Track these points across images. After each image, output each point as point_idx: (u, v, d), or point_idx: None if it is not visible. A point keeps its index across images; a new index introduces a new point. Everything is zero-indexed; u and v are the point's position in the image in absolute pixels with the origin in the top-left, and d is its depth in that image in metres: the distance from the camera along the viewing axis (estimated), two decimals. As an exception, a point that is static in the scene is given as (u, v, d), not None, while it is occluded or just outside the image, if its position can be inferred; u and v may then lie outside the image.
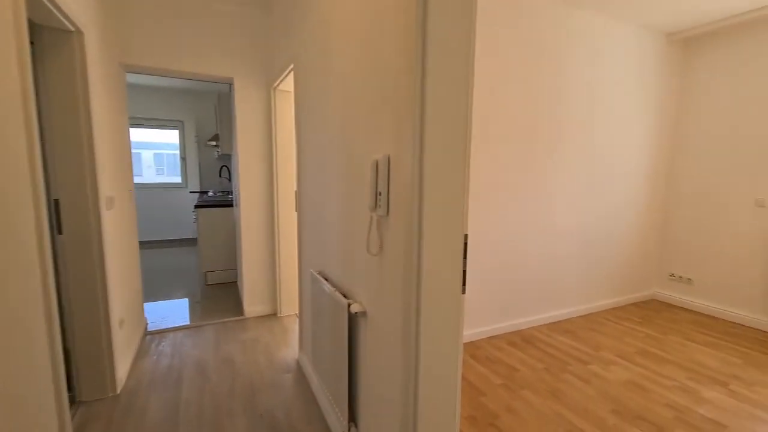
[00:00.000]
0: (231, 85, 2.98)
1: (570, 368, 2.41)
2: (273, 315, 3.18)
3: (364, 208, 1.29)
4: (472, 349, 2.66)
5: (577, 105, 2.97)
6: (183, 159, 6.03)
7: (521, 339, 2.82)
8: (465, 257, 1.07)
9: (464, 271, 1.08)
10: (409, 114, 0.99)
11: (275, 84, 2.76)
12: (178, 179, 6.10)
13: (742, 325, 3.09)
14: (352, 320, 1.44)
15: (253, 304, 3.14)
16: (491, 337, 2.84)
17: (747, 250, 3.07)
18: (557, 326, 3.05)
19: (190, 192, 5.78)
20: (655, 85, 3.34)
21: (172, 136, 5.98)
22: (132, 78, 5.12)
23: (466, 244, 1.06)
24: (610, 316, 3.27)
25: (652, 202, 3.54)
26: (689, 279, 3.46)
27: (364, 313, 1.36)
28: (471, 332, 2.78)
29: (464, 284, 1.09)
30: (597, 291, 3.37)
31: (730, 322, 3.15)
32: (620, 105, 3.19)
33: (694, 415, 1.96)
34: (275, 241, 3.06)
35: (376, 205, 1.17)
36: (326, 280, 1.74)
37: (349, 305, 1.39)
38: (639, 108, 3.30)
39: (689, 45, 3.36)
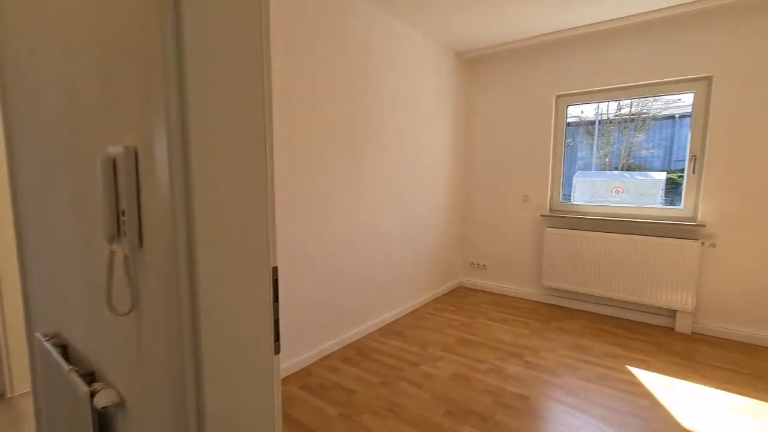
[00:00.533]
0: None
1: (404, 374, 2.36)
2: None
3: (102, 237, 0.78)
4: (304, 376, 2.33)
5: (390, 111, 3.02)
6: None
7: (356, 352, 2.66)
8: (276, 299, 0.72)
9: (276, 321, 0.73)
10: (160, 79, 0.57)
11: None
12: None
13: (523, 298, 3.78)
14: (102, 419, 0.89)
15: (-47, 390, 1.96)
16: (324, 358, 2.57)
17: (519, 237, 3.77)
18: (389, 329, 3.03)
19: None
20: (452, 97, 3.76)
21: None
22: None
23: (276, 281, 0.72)
24: (431, 309, 3.49)
25: (456, 201, 3.99)
26: (484, 265, 4.05)
27: (120, 405, 0.84)
28: (301, 358, 2.44)
29: (278, 339, 0.74)
30: (421, 286, 3.56)
31: (515, 297, 3.82)
32: (427, 113, 3.44)
33: (505, 394, 2.16)
34: (-5, 286, 1.99)
35: (118, 233, 0.69)
36: (64, 348, 1.09)
37: (92, 394, 0.84)
38: (442, 118, 3.64)
39: (472, 64, 3.92)
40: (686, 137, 3.00)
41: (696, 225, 2.87)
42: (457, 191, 4.01)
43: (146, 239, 0.67)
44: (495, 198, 3.90)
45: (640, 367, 2.45)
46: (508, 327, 3.09)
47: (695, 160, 2.94)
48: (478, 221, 4.05)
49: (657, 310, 3.12)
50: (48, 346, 1.11)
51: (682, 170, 3.07)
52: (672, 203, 3.20)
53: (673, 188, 3.20)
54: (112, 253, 0.72)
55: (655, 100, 3.29)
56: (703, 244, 2.87)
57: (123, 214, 0.68)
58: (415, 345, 2.76)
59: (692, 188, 2.97)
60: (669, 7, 2.76)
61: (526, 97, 3.61)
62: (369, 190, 2.86)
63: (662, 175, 3.26)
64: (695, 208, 2.96)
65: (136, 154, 0.66)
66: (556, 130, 3.55)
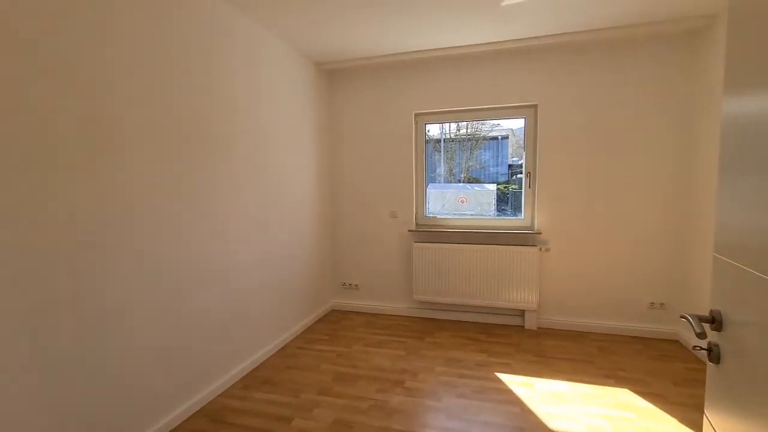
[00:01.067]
0: None
1: (274, 438, 1.95)
2: None
3: None
4: (132, 476, 1.69)
5: (243, 123, 2.58)
6: None
7: (209, 419, 2.11)
8: None
9: None
10: None
11: None
12: None
13: (396, 315, 3.74)
14: None
15: None
16: (164, 438, 1.95)
17: (390, 254, 3.73)
18: (254, 377, 2.54)
19: None
20: (315, 110, 3.50)
21: None
22: None
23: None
24: (303, 342, 3.12)
25: (324, 220, 3.73)
26: (357, 285, 3.89)
27: None
28: (128, 448, 1.78)
29: None
30: (289, 319, 3.15)
31: (389, 315, 3.75)
32: (287, 127, 3.10)
33: (392, 433, 1.97)
34: None
35: None
36: None
37: None
38: (305, 133, 3.35)
39: (334, 76, 3.76)
40: (507, 155, 3.69)
41: (534, 233, 3.27)
42: (324, 210, 3.76)
43: None
44: (364, 215, 3.79)
45: (505, 371, 2.59)
46: (386, 350, 2.96)
47: (530, 176, 3.37)
48: (348, 240, 3.87)
49: (510, 312, 3.44)
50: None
51: (507, 183, 3.67)
52: (503, 211, 3.71)
53: (501, 197, 3.75)
54: None
55: (482, 124, 3.87)
56: (540, 249, 3.28)
57: None
58: (285, 393, 2.36)
59: (529, 201, 3.39)
60: (504, 41, 3.09)
61: (388, 113, 3.62)
62: (218, 215, 2.36)
63: (493, 187, 3.84)
64: (533, 218, 3.38)
65: None
66: (417, 147, 3.65)
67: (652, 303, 3.12)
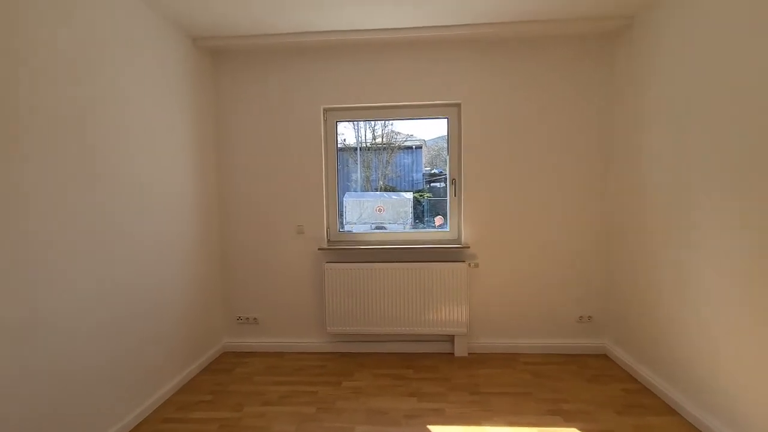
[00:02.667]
0: None
1: None
2: None
3: None
4: None
5: (82, 113, 1.72)
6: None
7: None
8: None
9: None
10: None
11: None
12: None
13: (306, 353, 3.06)
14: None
15: None
16: None
17: (297, 278, 3.06)
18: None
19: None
20: (189, 99, 2.70)
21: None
22: None
23: None
24: (173, 410, 2.27)
25: (209, 240, 2.91)
26: (255, 318, 3.12)
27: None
28: None
29: None
30: (153, 376, 2.28)
31: (297, 353, 3.06)
32: (150, 120, 2.26)
33: None
34: None
35: None
36: None
37: None
38: (177, 129, 2.53)
39: (219, 57, 2.99)
40: (421, 163, 3.63)
41: (462, 247, 2.90)
42: (210, 227, 2.94)
43: None
44: (263, 232, 3.06)
45: (439, 423, 2.10)
46: (290, 408, 2.28)
47: (455, 183, 3.00)
48: (243, 263, 3.10)
49: (438, 337, 3.02)
50: None
51: (421, 191, 3.49)
52: (419, 219, 3.46)
53: (417, 205, 3.55)
54: None
55: (397, 134, 3.76)
56: (469, 264, 2.92)
57: None
58: None
59: (455, 211, 3.02)
60: (417, 27, 2.67)
61: (291, 106, 2.97)
62: (27, 240, 1.48)
63: (410, 195, 3.59)
64: (459, 230, 3.01)
65: None
66: (327, 148, 3.06)
67: (581, 317, 2.95)
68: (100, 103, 1.92)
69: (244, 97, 2.99)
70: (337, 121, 3.07)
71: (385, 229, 3.44)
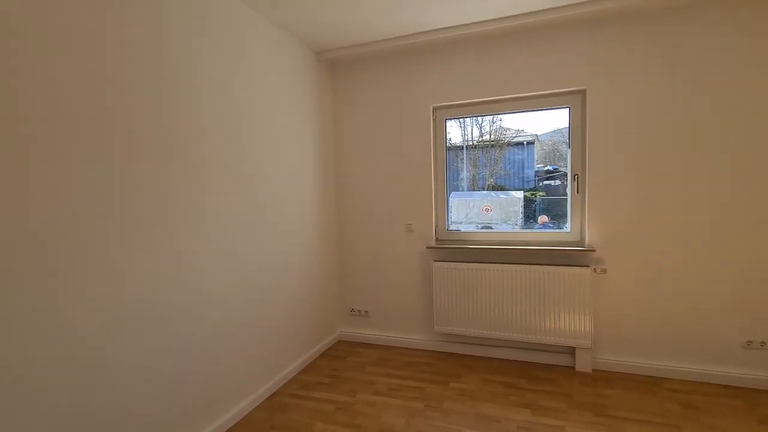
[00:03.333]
0: None
1: None
2: None
3: None
4: None
5: (223, 122, 2.07)
6: None
7: None
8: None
9: None
10: None
11: None
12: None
13: (413, 349, 3.11)
14: None
15: None
16: None
17: (405, 275, 3.13)
18: (226, 442, 1.98)
19: None
20: (312, 107, 2.98)
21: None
22: None
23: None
24: (297, 387, 2.54)
25: (327, 237, 3.17)
26: (366, 312, 3.29)
27: None
28: None
29: None
30: (282, 356, 2.58)
31: (404, 348, 3.13)
32: (279, 127, 2.58)
33: None
34: None
35: None
36: None
37: None
38: (301, 134, 2.82)
39: (337, 67, 3.24)
40: (533, 161, 3.39)
41: (585, 250, 2.60)
42: (328, 225, 3.21)
43: None
44: (375, 230, 3.21)
45: (559, 440, 1.92)
46: (399, 401, 2.34)
47: (577, 179, 2.70)
48: (357, 259, 3.30)
49: (556, 348, 2.76)
50: None
51: (533, 189, 3.26)
52: (530, 218, 3.21)
53: (529, 204, 3.30)
54: None
55: (506, 130, 3.54)
56: (594, 270, 2.60)
57: None
58: (264, 469, 1.78)
59: (577, 210, 2.72)
60: (534, 12, 2.48)
61: (401, 108, 3.05)
62: (173, 231, 1.83)
63: (520, 194, 3.36)
64: (582, 231, 2.70)
65: None
66: (436, 147, 3.06)
67: (750, 341, 2.37)
68: (245, 122, 2.26)
69: (356, 103, 3.18)
70: (446, 119, 3.04)
71: (491, 229, 3.30)
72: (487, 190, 3.61)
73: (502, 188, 3.66)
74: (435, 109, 3.02)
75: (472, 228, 3.20)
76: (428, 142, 3.01)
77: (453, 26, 2.66)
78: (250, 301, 2.29)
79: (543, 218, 3.05)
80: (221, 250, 2.08)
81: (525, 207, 3.31)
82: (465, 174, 3.57)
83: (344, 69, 3.21)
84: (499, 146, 3.62)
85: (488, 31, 2.66)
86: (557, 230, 2.88)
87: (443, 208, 3.07)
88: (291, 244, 2.71)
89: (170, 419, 1.77)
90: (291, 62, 2.71)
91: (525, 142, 3.69)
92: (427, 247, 3.01)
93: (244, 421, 2.17)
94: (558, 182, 3.35)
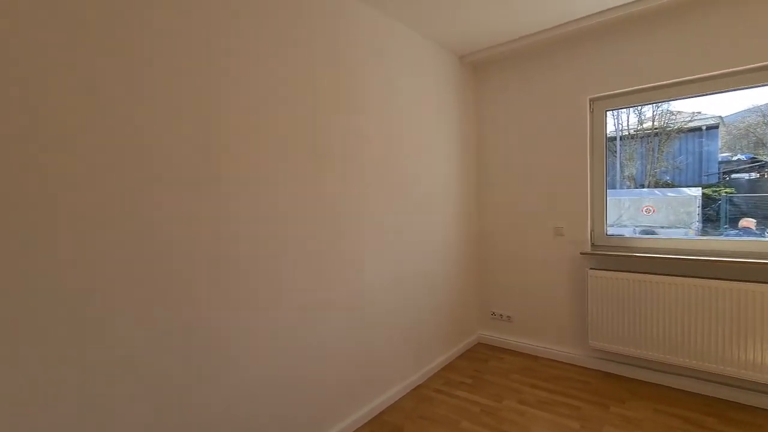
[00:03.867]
0: None
1: None
2: None
3: None
4: None
5: (377, 128, 2.29)
6: None
7: (329, 472, 1.82)
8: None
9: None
10: None
11: None
12: None
13: (563, 363, 2.87)
14: None
15: None
16: (282, 485, 1.74)
17: (553, 282, 2.91)
18: (381, 423, 2.18)
19: None
20: (455, 110, 3.03)
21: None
22: None
23: None
24: (440, 383, 2.63)
25: (468, 237, 3.19)
26: (509, 317, 3.18)
27: None
28: (243, 493, 1.62)
29: None
30: (425, 351, 2.71)
31: (552, 361, 2.92)
32: (425, 130, 2.71)
33: None
34: None
35: None
36: None
37: None
38: (445, 136, 2.91)
39: (479, 68, 3.21)
40: (716, 150, 2.78)
41: (814, 266, 2.00)
42: (469, 225, 3.21)
43: None
44: (518, 231, 3.08)
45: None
46: (550, 415, 2.20)
47: (802, 173, 2.10)
48: (498, 261, 3.21)
49: (757, 386, 2.20)
50: None
51: (715, 185, 2.72)
52: (711, 221, 2.67)
53: (708, 204, 2.72)
54: None
55: (676, 114, 2.98)
56: (830, 293, 1.98)
57: None
58: (416, 455, 1.91)
59: (800, 213, 2.11)
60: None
61: (551, 103, 2.85)
62: (345, 230, 2.10)
63: (697, 191, 2.79)
64: (808, 242, 2.09)
65: None
66: (593, 142, 2.76)
67: None
68: (395, 123, 2.44)
69: (501, 102, 3.10)
70: (606, 110, 2.72)
71: (654, 234, 2.81)
72: (649, 187, 3.09)
73: (669, 185, 3.08)
74: (592, 100, 2.73)
75: (628, 232, 2.80)
76: (584, 138, 2.74)
77: (614, 6, 2.36)
78: (401, 295, 2.47)
79: (747, 222, 2.46)
80: (377, 248, 2.30)
81: (703, 207, 2.73)
82: (617, 169, 3.12)
83: (487, 69, 3.16)
84: (666, 134, 3.06)
85: (651, 8, 2.27)
86: (757, 238, 2.29)
87: (601, 210, 2.75)
88: (436, 243, 2.81)
89: (344, 394, 2.04)
90: (435, 68, 2.81)
91: (704, 127, 3.00)
92: (581, 253, 2.74)
93: (395, 406, 2.35)
94: (754, 175, 2.67)
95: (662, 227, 2.89)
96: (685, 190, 2.92)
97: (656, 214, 2.91)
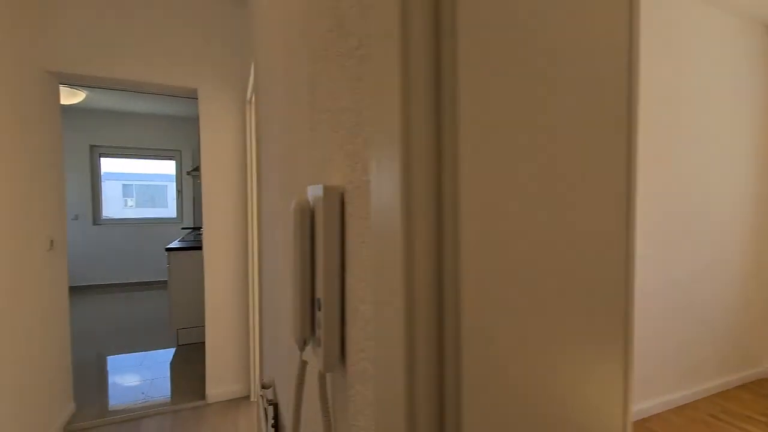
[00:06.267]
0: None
1: None
2: (245, 398, 2.37)
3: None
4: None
5: (657, 116, 2.16)
6: (179, 192, 5.48)
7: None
8: None
9: None
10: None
11: (248, 95, 2.10)
12: (172, 214, 5.54)
13: None
14: None
15: (218, 384, 2.34)
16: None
17: None
18: (643, 429, 2.09)
19: (182, 228, 5.13)
20: (761, 84, 2.51)
21: (167, 167, 5.48)
22: (127, 105, 4.67)
23: None
24: (716, 410, 2.28)
25: (762, 247, 2.60)
26: (824, 354, 2.45)
27: None
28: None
29: None
30: (696, 370, 2.40)
31: None
32: (715, 117, 2.36)
33: None
34: (250, 298, 2.31)
35: (306, 338, 0.39)
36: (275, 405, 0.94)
37: None
38: (740, 123, 2.46)
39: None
40: None
41: None
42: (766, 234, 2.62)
43: (350, 360, 0.34)
44: None
45: None
46: None
47: None
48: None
49: None
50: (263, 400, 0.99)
51: None
52: None
53: None
54: (303, 363, 0.43)
55: None
56: None
57: (318, 309, 0.37)
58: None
59: None
60: None
61: None
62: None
63: None
64: None
65: (341, 200, 0.35)
66: None
67: None
68: (687, 115, 2.24)
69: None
70: None
71: None
72: None
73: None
74: None
75: None
76: None
77: None
78: (676, 300, 2.27)
79: None
80: (654, 251, 2.18)
81: None
82: None
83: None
84: None
85: None
86: None
87: None
88: (720, 253, 2.43)
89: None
90: (735, 44, 2.40)
91: None
92: None
93: (659, 417, 2.20)
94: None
95: None
96: None
97: None
